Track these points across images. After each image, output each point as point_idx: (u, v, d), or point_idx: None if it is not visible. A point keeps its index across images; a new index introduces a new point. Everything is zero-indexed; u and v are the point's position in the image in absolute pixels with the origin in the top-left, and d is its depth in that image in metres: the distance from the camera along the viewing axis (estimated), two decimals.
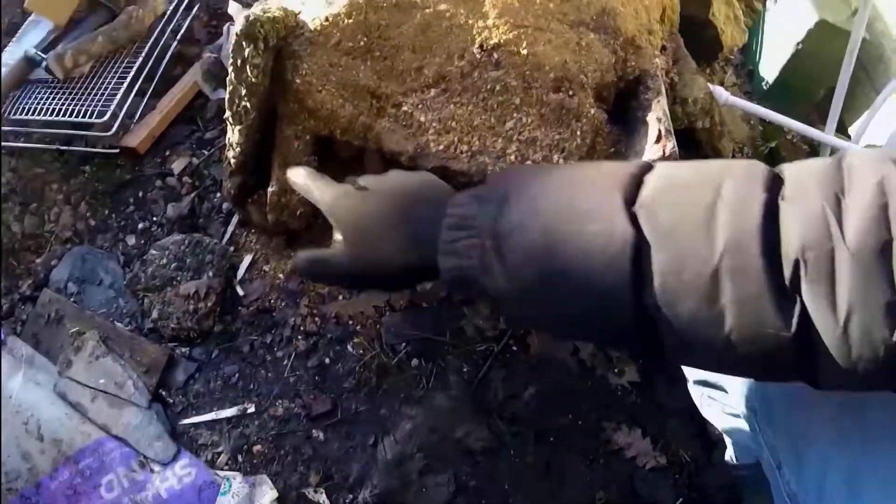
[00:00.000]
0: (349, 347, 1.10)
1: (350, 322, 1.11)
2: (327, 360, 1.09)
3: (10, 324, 1.16)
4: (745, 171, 0.44)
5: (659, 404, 1.07)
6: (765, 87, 1.48)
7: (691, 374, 0.85)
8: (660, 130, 0.91)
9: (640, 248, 0.44)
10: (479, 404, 1.05)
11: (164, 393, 1.09)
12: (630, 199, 0.46)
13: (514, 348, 1.08)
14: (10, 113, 1.26)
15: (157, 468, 1.03)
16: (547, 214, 0.48)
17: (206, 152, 1.32)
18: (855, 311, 0.38)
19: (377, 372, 1.07)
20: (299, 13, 1.00)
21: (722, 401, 0.80)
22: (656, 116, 0.93)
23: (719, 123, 1.18)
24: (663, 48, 1.09)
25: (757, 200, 0.42)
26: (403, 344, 1.09)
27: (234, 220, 1.22)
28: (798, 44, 1.36)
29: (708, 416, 0.88)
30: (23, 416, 1.05)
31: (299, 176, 0.64)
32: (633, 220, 0.45)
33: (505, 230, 0.49)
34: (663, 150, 0.90)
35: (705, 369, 0.52)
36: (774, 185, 0.43)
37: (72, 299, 1.17)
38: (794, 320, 0.40)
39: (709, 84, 1.13)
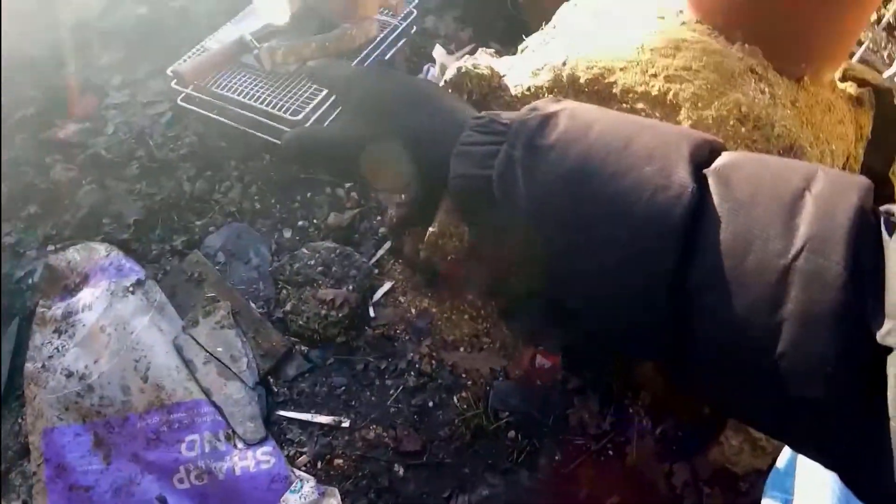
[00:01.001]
0: (454, 399, 1.12)
1: (463, 375, 1.14)
2: (430, 404, 1.12)
3: (154, 269, 1.24)
4: (840, 173, 0.38)
5: None
6: None
7: None
8: None
9: (701, 210, 0.36)
10: (560, 496, 1.06)
11: (271, 380, 1.14)
12: (699, 160, 0.39)
13: (611, 452, 1.09)
14: (211, 86, 1.35)
15: (240, 445, 1.06)
16: (598, 142, 0.40)
17: None
18: None
19: (473, 431, 1.09)
20: (504, 76, 1.06)
21: None
22: None
23: None
24: None
25: (849, 203, 0.35)
26: (506, 413, 1.11)
27: (386, 245, 1.28)
28: None
29: None
30: (136, 354, 1.11)
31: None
32: (699, 180, 0.37)
33: (544, 146, 0.41)
34: None
35: (726, 404, 0.41)
36: (872, 207, 0.36)
37: (217, 267, 1.24)
38: (865, 384, 0.32)
39: None
